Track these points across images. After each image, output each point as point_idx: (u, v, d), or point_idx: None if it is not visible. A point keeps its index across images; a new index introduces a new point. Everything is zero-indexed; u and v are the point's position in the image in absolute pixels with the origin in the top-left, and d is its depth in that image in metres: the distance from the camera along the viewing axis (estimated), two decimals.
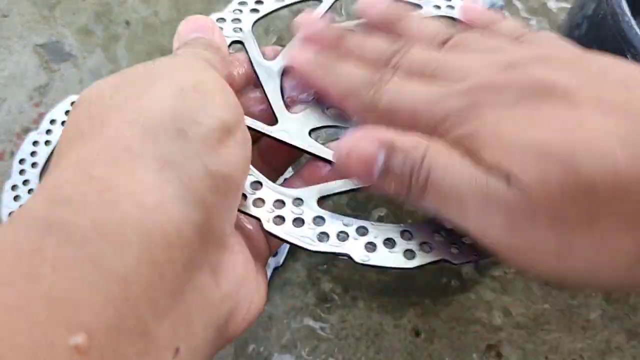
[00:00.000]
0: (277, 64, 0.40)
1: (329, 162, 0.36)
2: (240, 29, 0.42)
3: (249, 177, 0.34)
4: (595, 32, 0.45)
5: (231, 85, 0.30)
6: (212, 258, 0.25)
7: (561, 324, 0.51)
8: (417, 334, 0.51)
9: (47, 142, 0.55)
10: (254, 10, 0.44)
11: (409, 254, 0.31)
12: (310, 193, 0.33)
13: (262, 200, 0.33)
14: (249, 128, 0.35)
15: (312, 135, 0.37)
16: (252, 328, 0.51)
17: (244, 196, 0.33)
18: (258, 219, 0.32)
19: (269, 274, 0.51)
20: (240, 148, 0.27)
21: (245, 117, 0.34)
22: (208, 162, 0.23)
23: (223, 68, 0.34)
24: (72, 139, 0.23)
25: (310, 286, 0.53)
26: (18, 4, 0.64)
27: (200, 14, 0.65)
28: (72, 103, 0.57)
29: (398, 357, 0.50)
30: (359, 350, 0.50)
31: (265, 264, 0.35)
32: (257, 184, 0.34)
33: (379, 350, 0.50)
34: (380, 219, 0.37)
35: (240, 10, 0.44)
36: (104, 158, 0.21)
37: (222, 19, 0.43)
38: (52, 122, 0.56)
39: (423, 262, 0.31)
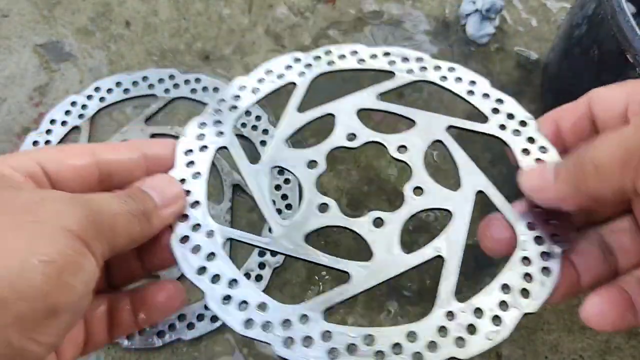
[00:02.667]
0: (265, 166, 0.40)
1: (328, 267, 0.36)
2: (222, 133, 0.41)
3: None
4: (595, 32, 0.45)
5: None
6: None
7: (561, 324, 0.51)
8: None
9: (47, 142, 0.55)
10: (233, 108, 0.42)
11: (417, 356, 0.32)
12: (314, 307, 0.34)
13: (270, 323, 0.34)
14: (246, 243, 0.36)
15: (309, 240, 0.37)
16: None
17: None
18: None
19: (268, 274, 0.51)
20: (62, 329, 0.26)
21: (241, 232, 0.36)
22: (13, 337, 0.24)
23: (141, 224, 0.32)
24: None
25: (310, 286, 0.53)
26: (18, 4, 0.64)
27: (200, 13, 0.66)
28: (73, 103, 0.57)
29: None
30: None
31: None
32: (263, 305, 0.34)
33: None
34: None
35: (220, 110, 0.42)
36: None
37: (204, 124, 0.41)
38: (52, 122, 0.56)
39: None
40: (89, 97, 0.58)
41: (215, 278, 0.35)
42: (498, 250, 0.35)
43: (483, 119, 0.40)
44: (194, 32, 0.63)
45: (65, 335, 0.27)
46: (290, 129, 0.41)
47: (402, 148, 0.39)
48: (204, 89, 0.58)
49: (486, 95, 0.40)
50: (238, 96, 0.42)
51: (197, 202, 0.37)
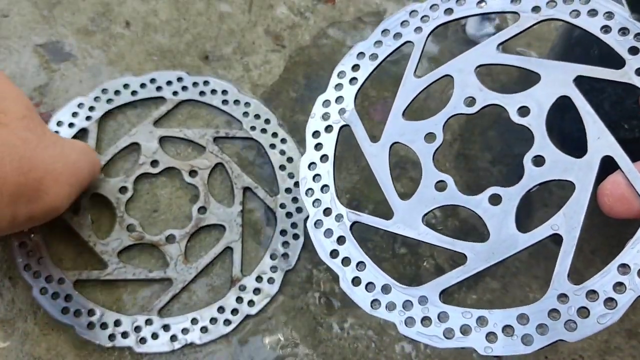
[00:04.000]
0: (385, 144, 0.39)
1: (445, 249, 0.37)
2: (344, 110, 0.41)
3: (377, 279, 0.37)
4: None
5: None
6: None
7: None
8: None
9: None
10: (353, 80, 0.41)
11: (527, 338, 0.33)
12: (432, 289, 0.36)
13: (394, 304, 0.36)
14: (371, 226, 0.38)
15: (424, 220, 0.37)
16: (252, 328, 0.51)
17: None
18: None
19: (280, 277, 0.52)
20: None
21: (366, 216, 0.38)
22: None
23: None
24: None
25: (310, 286, 0.53)
26: (18, 4, 0.64)
27: (200, 13, 0.66)
28: (80, 104, 0.57)
29: (398, 357, 0.50)
30: (359, 350, 0.50)
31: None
32: (386, 287, 0.36)
33: (379, 350, 0.50)
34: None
35: (340, 85, 0.41)
36: None
37: (327, 102, 0.41)
38: (59, 123, 0.56)
39: (542, 346, 0.32)
40: (96, 98, 0.57)
41: (346, 261, 0.37)
42: (618, 209, 0.33)
43: (617, 63, 0.35)
44: (194, 32, 0.63)
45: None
46: (407, 99, 0.40)
47: (524, 109, 0.37)
48: (213, 91, 0.58)
49: (624, 31, 0.36)
50: (357, 65, 0.42)
51: (326, 186, 0.39)
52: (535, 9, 0.38)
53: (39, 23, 0.63)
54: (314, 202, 0.39)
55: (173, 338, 0.49)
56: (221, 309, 0.50)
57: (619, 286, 0.32)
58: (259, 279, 0.51)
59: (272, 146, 0.56)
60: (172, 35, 0.62)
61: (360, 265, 0.37)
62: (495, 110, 0.38)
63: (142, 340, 0.49)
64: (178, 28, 0.63)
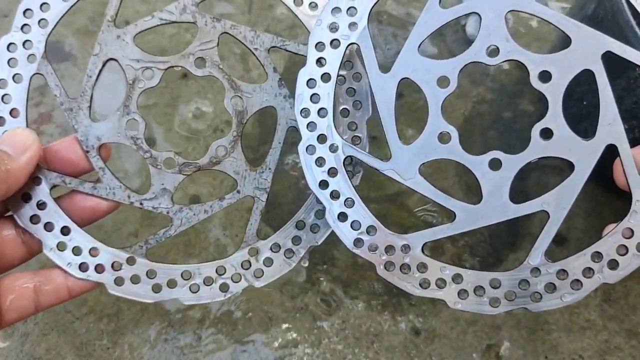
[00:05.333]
0: (394, 77, 0.37)
1: (438, 205, 0.36)
2: (355, 25, 0.37)
3: (364, 219, 0.36)
4: None
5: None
6: None
7: (561, 324, 0.51)
8: (417, 334, 0.51)
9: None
10: None
11: (494, 301, 0.35)
12: (417, 239, 0.36)
13: (376, 246, 0.36)
14: (365, 163, 0.37)
15: (421, 169, 0.36)
16: (252, 327, 0.51)
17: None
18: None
19: (301, 252, 0.41)
20: None
21: (361, 151, 0.36)
22: None
23: None
24: None
25: (310, 286, 0.53)
26: (18, 4, 0.64)
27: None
28: (10, 46, 0.41)
29: (398, 357, 0.50)
30: (359, 350, 0.50)
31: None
32: (372, 228, 0.36)
33: (379, 350, 0.50)
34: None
35: None
36: None
37: (337, 9, 0.37)
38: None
39: (506, 310, 0.35)
40: (24, 27, 0.44)
41: (334, 194, 0.37)
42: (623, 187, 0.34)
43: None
44: (194, 32, 0.63)
45: None
46: (426, 30, 0.37)
47: (545, 74, 0.35)
48: None
49: None
50: None
51: (324, 109, 0.37)
52: None
53: None
54: (308, 125, 0.37)
55: (156, 288, 0.40)
56: (221, 269, 0.41)
57: (588, 272, 0.34)
58: (275, 247, 0.41)
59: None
60: (172, 35, 0.62)
61: (349, 201, 0.37)
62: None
63: (119, 281, 0.40)
64: (178, 28, 0.63)
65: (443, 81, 0.36)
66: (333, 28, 0.37)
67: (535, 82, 0.35)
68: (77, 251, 0.40)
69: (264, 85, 0.42)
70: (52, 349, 0.50)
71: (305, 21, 0.41)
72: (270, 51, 0.42)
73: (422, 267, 0.36)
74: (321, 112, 0.37)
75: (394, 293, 0.51)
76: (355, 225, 0.36)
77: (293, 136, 0.39)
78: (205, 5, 0.44)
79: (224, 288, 0.41)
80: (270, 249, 0.41)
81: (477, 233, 0.52)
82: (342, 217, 0.36)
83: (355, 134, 0.39)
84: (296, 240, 0.41)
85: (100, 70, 0.43)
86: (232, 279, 0.41)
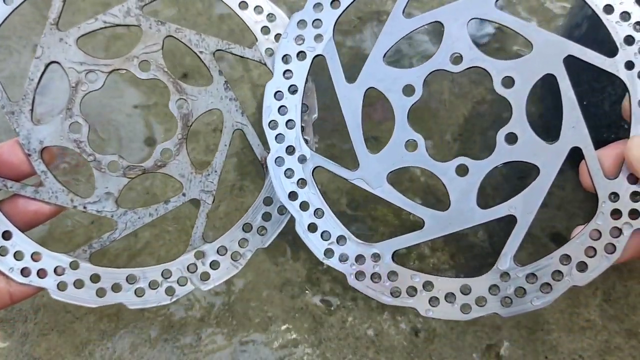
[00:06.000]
0: (360, 87, 0.37)
1: (402, 210, 0.37)
2: (321, 37, 0.37)
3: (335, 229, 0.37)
4: (595, 32, 0.45)
5: None
6: None
7: (561, 324, 0.51)
8: (417, 334, 0.51)
9: None
10: (335, 2, 0.37)
11: (465, 307, 0.35)
12: (386, 248, 0.36)
13: (347, 256, 0.36)
14: (334, 173, 0.37)
15: (389, 178, 0.37)
16: (252, 327, 0.51)
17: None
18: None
19: (248, 255, 0.41)
20: None
21: (330, 162, 0.37)
22: None
23: None
24: None
25: (310, 286, 0.53)
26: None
27: (200, 14, 0.66)
28: None
29: (398, 357, 0.50)
30: (359, 350, 0.50)
31: None
32: (342, 238, 0.37)
33: (379, 350, 0.50)
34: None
35: (320, 4, 0.37)
36: None
37: (303, 22, 0.37)
38: None
39: (477, 315, 0.35)
40: None
41: (304, 205, 0.37)
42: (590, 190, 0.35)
43: (610, 49, 0.35)
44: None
45: None
46: (391, 39, 0.37)
47: (508, 80, 0.36)
48: None
49: (626, 16, 0.35)
50: None
51: (291, 121, 0.37)
52: None
53: (39, 23, 0.63)
54: (276, 137, 0.37)
55: (100, 292, 0.40)
56: (167, 273, 0.41)
57: (557, 274, 0.34)
58: (221, 250, 0.41)
59: None
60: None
61: (319, 211, 0.37)
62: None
63: (62, 286, 0.40)
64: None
65: (408, 90, 0.36)
66: (299, 40, 0.37)
67: (498, 88, 0.36)
68: (19, 256, 0.39)
69: (209, 88, 0.43)
70: (52, 349, 0.50)
71: (250, 25, 0.41)
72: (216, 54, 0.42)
73: (393, 275, 0.36)
74: (289, 124, 0.37)
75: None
76: (325, 236, 0.37)
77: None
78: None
79: (169, 292, 0.41)
80: (217, 252, 0.41)
81: (476, 231, 0.52)
82: (312, 227, 0.37)
83: (304, 137, 0.39)
84: (243, 242, 0.41)
85: (42, 73, 0.42)
86: (178, 282, 0.41)
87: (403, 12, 0.37)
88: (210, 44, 0.42)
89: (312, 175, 0.37)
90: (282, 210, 0.41)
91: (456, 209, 0.36)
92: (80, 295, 0.40)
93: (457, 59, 0.36)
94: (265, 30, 0.41)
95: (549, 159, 0.35)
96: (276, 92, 0.37)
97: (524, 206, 0.35)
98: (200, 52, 0.43)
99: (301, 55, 0.37)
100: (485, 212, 0.36)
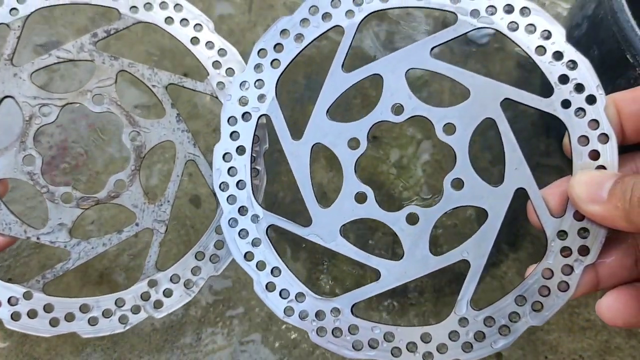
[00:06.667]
0: (307, 143, 0.37)
1: (360, 264, 0.38)
2: (264, 97, 0.38)
3: (294, 287, 0.37)
4: (595, 32, 0.45)
5: None
6: None
7: (561, 324, 0.51)
8: None
9: None
10: (275, 62, 0.38)
11: (427, 356, 0.35)
12: (345, 302, 0.36)
13: (307, 313, 0.36)
14: (288, 230, 0.37)
15: (342, 230, 0.37)
16: (252, 327, 0.51)
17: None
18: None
19: (201, 283, 0.42)
20: None
21: (283, 220, 0.37)
22: None
23: None
24: None
25: (310, 286, 0.52)
26: None
27: (200, 14, 0.65)
28: None
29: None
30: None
31: None
32: (300, 295, 0.37)
33: None
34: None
35: (260, 65, 0.38)
36: None
37: (245, 84, 0.38)
38: None
39: None
40: None
41: (260, 264, 0.37)
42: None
43: (546, 90, 0.35)
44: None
45: None
46: (333, 94, 0.38)
47: (449, 126, 0.36)
48: (183, 21, 0.46)
49: (558, 55, 0.35)
50: (280, 45, 0.38)
51: (242, 181, 0.38)
52: (474, 13, 0.36)
53: (39, 23, 0.63)
54: (228, 198, 0.37)
55: (53, 322, 0.41)
56: (120, 302, 0.41)
57: (514, 316, 0.34)
58: (174, 278, 0.42)
59: None
60: (172, 35, 0.62)
61: (275, 270, 0.37)
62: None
63: (15, 316, 0.40)
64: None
65: (353, 143, 0.37)
66: (243, 102, 0.38)
67: (440, 135, 0.36)
68: None
69: (162, 121, 0.44)
70: (52, 349, 0.50)
71: (202, 60, 0.43)
72: (168, 88, 0.44)
73: (354, 329, 0.36)
74: (240, 185, 0.37)
75: (394, 293, 0.51)
76: (284, 294, 0.37)
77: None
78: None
79: (123, 320, 0.41)
80: (170, 280, 0.42)
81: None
82: (270, 287, 0.37)
83: (254, 167, 0.40)
84: (196, 270, 0.42)
85: None
86: (131, 311, 0.41)
87: (342, 66, 0.37)
88: (163, 78, 0.44)
89: (267, 233, 0.37)
90: None
91: (410, 257, 0.36)
92: (33, 324, 0.40)
93: (398, 109, 0.37)
94: (217, 64, 0.43)
95: (495, 202, 0.35)
96: (225, 154, 0.38)
97: (476, 250, 0.36)
98: (153, 85, 0.44)
99: (246, 116, 0.38)
100: (439, 259, 0.36)
